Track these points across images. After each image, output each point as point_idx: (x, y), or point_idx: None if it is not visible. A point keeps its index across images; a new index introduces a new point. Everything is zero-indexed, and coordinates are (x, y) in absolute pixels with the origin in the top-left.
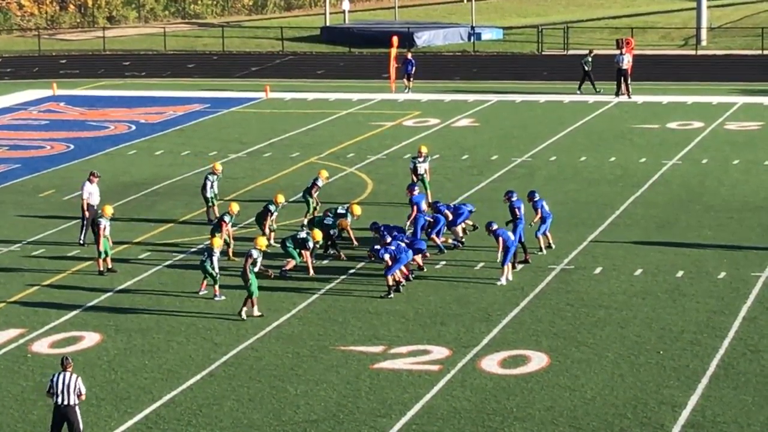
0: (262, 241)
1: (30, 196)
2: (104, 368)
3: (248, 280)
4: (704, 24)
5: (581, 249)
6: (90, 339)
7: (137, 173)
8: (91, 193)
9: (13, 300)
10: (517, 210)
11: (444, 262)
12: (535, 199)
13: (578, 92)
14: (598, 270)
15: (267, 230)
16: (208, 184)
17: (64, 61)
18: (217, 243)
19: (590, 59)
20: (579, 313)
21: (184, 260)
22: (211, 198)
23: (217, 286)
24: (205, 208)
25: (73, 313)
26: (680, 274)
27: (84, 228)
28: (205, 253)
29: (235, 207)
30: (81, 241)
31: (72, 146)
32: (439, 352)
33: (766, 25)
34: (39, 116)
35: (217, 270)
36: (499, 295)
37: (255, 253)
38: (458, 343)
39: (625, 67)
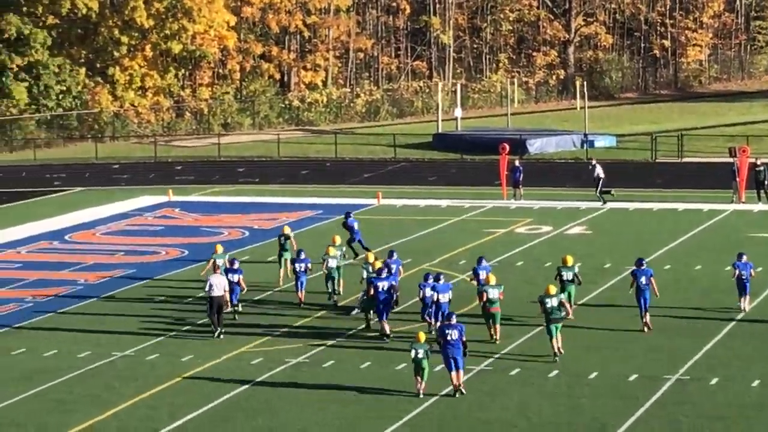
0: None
1: (144, 301)
2: None
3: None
4: None
5: (697, 359)
6: None
7: (249, 279)
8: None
9: (126, 405)
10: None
11: (557, 372)
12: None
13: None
14: (714, 380)
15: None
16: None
17: (179, 168)
18: (422, 337)
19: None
20: (695, 425)
21: (295, 367)
22: (336, 269)
23: (423, 385)
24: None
25: (182, 420)
26: None
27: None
28: (420, 350)
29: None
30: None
31: (186, 252)
32: None
33: None
34: (154, 222)
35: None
36: (613, 405)
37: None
38: None
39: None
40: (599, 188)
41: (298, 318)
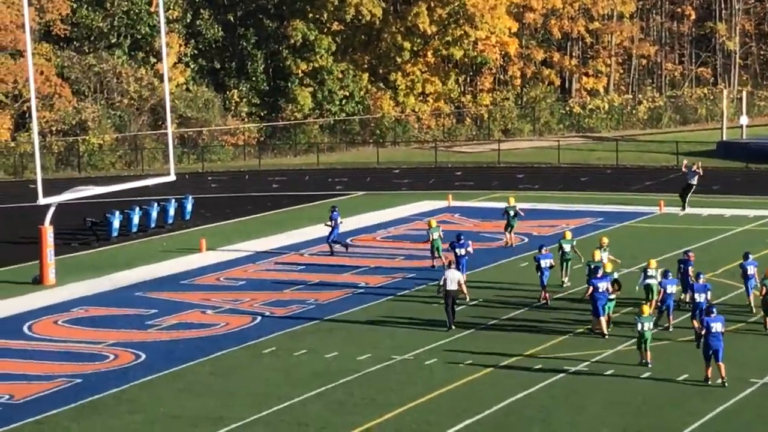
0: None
1: (424, 305)
2: None
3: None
4: None
5: None
6: None
7: (522, 284)
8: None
9: (404, 409)
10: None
11: None
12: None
13: None
14: None
15: None
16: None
17: (459, 173)
18: (646, 310)
19: None
20: None
21: (574, 375)
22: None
23: (649, 354)
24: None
25: (458, 426)
26: None
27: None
28: (645, 323)
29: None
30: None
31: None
32: None
33: None
34: None
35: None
36: None
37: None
38: None
39: None
40: (687, 194)
41: (578, 326)
